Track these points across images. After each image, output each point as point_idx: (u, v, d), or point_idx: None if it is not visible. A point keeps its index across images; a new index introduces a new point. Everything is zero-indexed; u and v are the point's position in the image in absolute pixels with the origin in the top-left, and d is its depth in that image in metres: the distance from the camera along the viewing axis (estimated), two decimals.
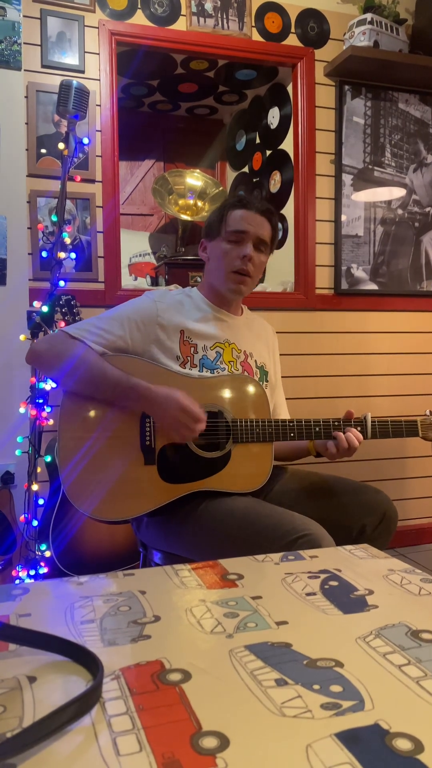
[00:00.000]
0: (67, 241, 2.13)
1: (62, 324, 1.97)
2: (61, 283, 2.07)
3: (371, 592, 0.78)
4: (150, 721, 0.50)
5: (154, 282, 2.78)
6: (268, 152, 2.88)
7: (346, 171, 2.62)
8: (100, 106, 2.32)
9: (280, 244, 2.75)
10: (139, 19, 2.35)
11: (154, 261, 2.95)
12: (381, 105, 2.66)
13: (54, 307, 1.97)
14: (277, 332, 1.68)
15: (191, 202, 2.96)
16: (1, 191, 2.12)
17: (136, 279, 2.85)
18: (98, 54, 2.30)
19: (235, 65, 2.68)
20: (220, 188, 2.99)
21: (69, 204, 2.26)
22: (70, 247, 2.23)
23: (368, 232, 2.67)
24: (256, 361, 1.53)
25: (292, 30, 2.55)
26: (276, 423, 1.39)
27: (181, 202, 2.95)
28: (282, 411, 1.65)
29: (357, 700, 0.52)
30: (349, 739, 0.47)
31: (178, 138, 3.33)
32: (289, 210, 2.69)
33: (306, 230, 2.59)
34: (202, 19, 2.42)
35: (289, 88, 2.65)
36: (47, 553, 1.93)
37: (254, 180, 3.05)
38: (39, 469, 2.00)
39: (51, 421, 2.01)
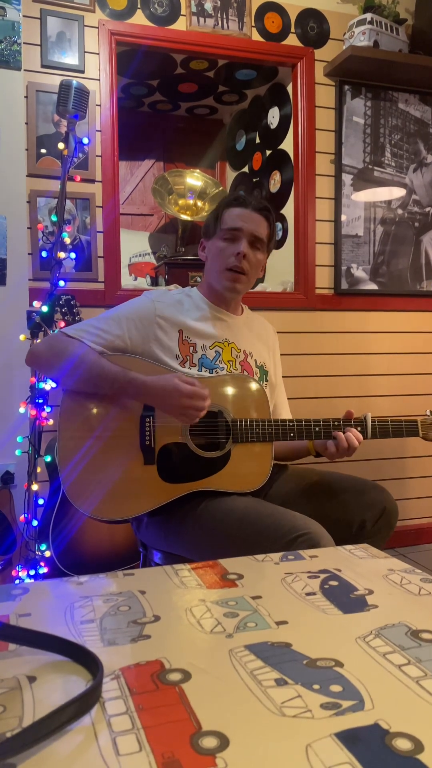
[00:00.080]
0: (67, 241, 2.13)
1: (62, 324, 1.97)
2: (61, 283, 2.07)
3: (371, 592, 0.78)
4: (150, 721, 0.50)
5: (154, 282, 2.78)
6: (268, 152, 2.88)
7: (346, 171, 2.62)
8: (99, 106, 2.32)
9: (280, 244, 2.75)
10: (139, 19, 2.35)
11: (154, 261, 2.95)
12: (381, 105, 2.66)
13: (54, 307, 1.97)
14: (277, 332, 1.68)
15: (191, 202, 2.96)
16: (1, 191, 2.12)
17: (136, 279, 2.85)
18: (98, 54, 2.30)
19: (235, 65, 2.68)
20: (220, 188, 2.99)
21: (69, 204, 2.26)
22: (70, 247, 2.23)
23: (368, 232, 2.67)
24: (255, 360, 1.53)
25: (292, 30, 2.55)
26: (276, 423, 1.39)
27: (181, 202, 2.95)
28: (283, 411, 1.65)
29: (357, 699, 0.52)
30: (349, 738, 0.47)
31: (178, 138, 3.33)
32: (289, 210, 2.69)
33: (306, 230, 2.59)
34: (201, 19, 2.42)
35: (289, 88, 2.65)
36: (47, 553, 1.93)
37: (254, 180, 3.05)
38: (39, 469, 2.00)
39: (51, 421, 2.01)
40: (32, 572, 1.93)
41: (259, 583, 0.82)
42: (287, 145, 2.70)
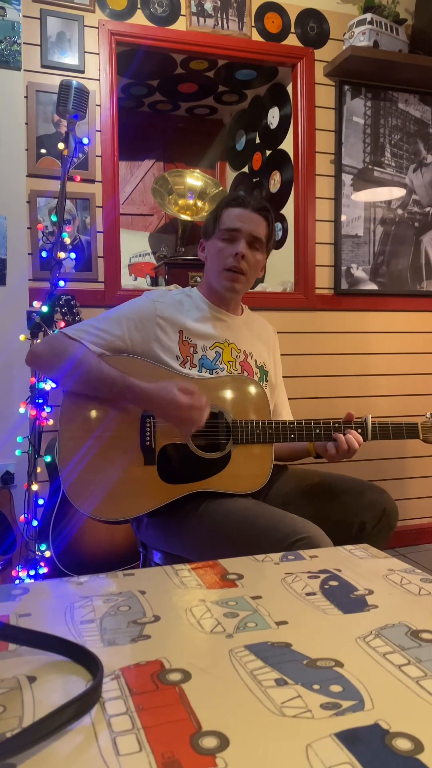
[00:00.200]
0: (67, 241, 2.13)
1: (62, 324, 1.97)
2: (61, 283, 2.07)
3: (371, 592, 0.78)
4: (150, 721, 0.50)
5: (154, 282, 2.78)
6: (268, 152, 2.88)
7: (346, 171, 2.62)
8: (99, 106, 2.32)
9: (280, 244, 2.75)
10: (139, 19, 2.35)
11: (154, 261, 2.95)
12: (381, 105, 2.66)
13: (54, 307, 1.97)
14: (277, 332, 1.68)
15: (191, 202, 2.96)
16: (1, 191, 2.12)
17: (136, 279, 2.85)
18: (98, 54, 2.30)
19: (235, 65, 2.68)
20: (220, 188, 2.99)
21: (69, 204, 2.26)
22: (70, 247, 2.23)
23: (368, 232, 2.67)
24: (255, 360, 1.53)
25: (292, 30, 2.55)
26: (276, 424, 1.39)
27: (181, 202, 2.95)
28: (284, 411, 1.65)
29: (357, 700, 0.53)
30: (349, 738, 0.47)
31: (178, 138, 3.33)
32: (288, 210, 2.69)
33: (306, 230, 2.59)
34: (201, 19, 2.42)
35: (289, 88, 2.65)
36: (47, 553, 1.93)
37: (254, 180, 3.05)
38: (39, 469, 2.00)
39: (51, 421, 2.01)
40: (32, 572, 1.93)
41: (259, 583, 0.82)
42: (287, 145, 2.70)
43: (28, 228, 2.21)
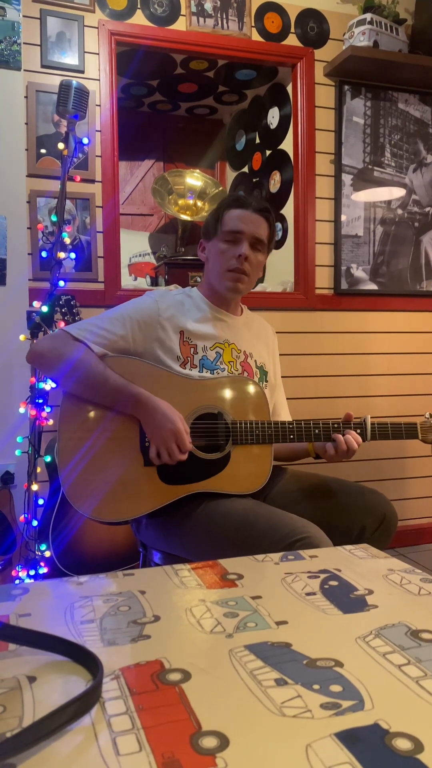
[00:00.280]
0: (67, 241, 2.13)
1: (62, 324, 1.97)
2: (61, 283, 2.07)
3: (371, 592, 0.78)
4: (150, 721, 0.50)
5: (154, 282, 2.78)
6: (268, 152, 2.88)
7: (346, 171, 2.62)
8: (99, 106, 2.32)
9: (280, 244, 2.75)
10: (139, 19, 2.35)
11: (153, 261, 2.95)
12: (381, 105, 2.66)
13: (54, 307, 1.97)
14: (277, 332, 1.68)
15: (191, 202, 2.96)
16: (1, 191, 2.12)
17: (135, 279, 2.85)
18: (98, 54, 2.30)
19: (234, 65, 2.68)
20: (220, 188, 2.99)
21: (69, 204, 2.26)
22: (70, 247, 2.23)
23: (368, 232, 2.67)
24: (255, 361, 1.53)
25: (292, 30, 2.55)
26: (275, 425, 1.39)
27: (180, 202, 2.95)
28: (282, 411, 1.65)
29: (357, 699, 0.53)
30: (349, 738, 0.47)
31: (178, 138, 3.33)
32: (288, 210, 2.69)
33: (306, 230, 2.59)
34: (201, 19, 2.42)
35: (289, 88, 2.65)
36: (47, 553, 1.93)
37: (254, 180, 3.05)
38: (39, 469, 2.00)
39: (51, 421, 2.01)
40: (32, 572, 1.93)
41: (259, 583, 0.82)
42: (287, 145, 2.70)
43: (28, 228, 2.21)
